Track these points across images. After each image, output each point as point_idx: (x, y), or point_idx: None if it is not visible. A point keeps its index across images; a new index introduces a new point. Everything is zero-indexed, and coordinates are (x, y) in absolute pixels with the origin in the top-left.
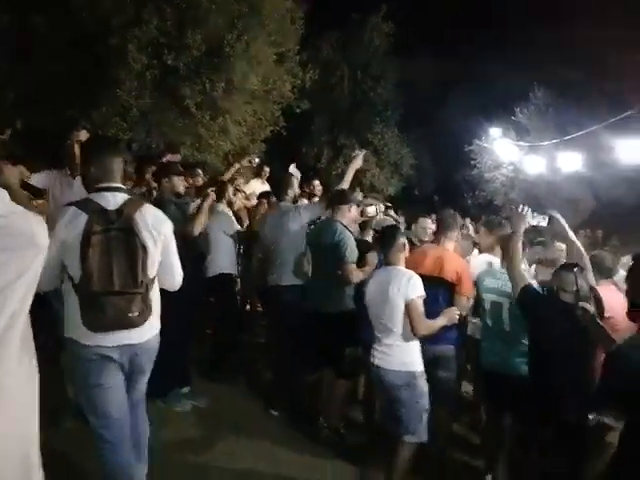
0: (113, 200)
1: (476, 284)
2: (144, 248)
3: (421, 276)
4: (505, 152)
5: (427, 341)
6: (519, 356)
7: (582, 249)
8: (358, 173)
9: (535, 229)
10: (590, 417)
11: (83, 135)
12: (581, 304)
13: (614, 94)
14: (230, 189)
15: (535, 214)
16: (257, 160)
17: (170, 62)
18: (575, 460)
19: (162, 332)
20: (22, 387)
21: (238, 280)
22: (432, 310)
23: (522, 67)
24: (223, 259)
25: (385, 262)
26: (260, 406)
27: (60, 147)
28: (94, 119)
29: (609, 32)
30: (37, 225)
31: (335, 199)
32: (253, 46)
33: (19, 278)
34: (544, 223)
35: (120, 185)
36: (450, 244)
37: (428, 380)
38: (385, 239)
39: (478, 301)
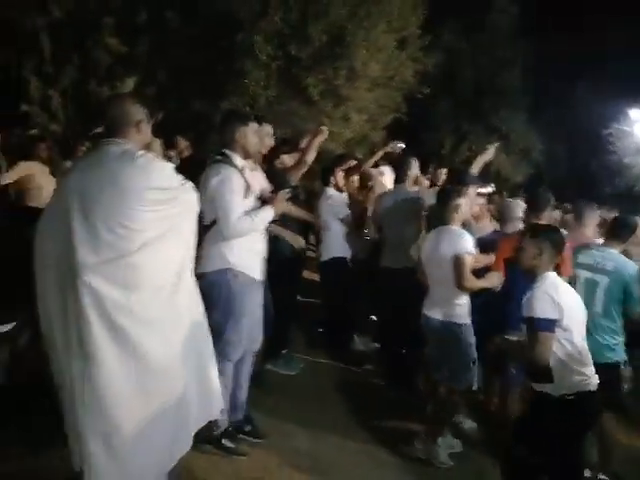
0: None
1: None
2: None
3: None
4: None
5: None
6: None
7: None
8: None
9: None
10: None
11: None
12: None
13: None
14: (339, 174)
15: None
16: (401, 146)
17: (294, 52)
18: None
19: None
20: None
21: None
22: None
23: None
24: (335, 243)
25: (440, 222)
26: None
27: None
28: (223, 110)
29: None
30: (195, 194)
31: (452, 181)
32: (374, 33)
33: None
34: None
35: None
36: None
37: None
38: (441, 199)
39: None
